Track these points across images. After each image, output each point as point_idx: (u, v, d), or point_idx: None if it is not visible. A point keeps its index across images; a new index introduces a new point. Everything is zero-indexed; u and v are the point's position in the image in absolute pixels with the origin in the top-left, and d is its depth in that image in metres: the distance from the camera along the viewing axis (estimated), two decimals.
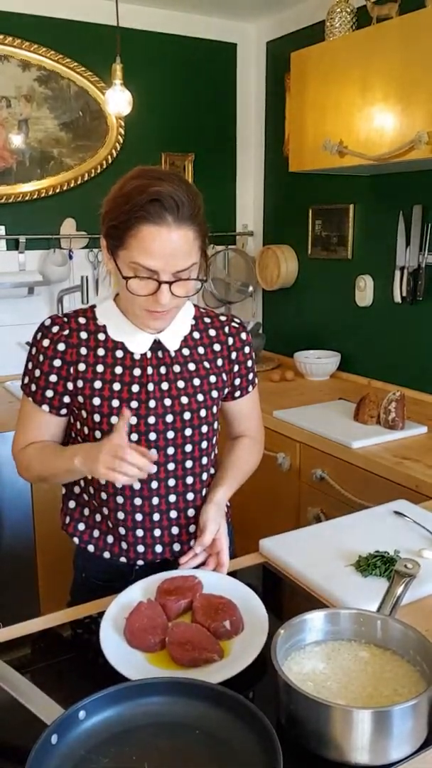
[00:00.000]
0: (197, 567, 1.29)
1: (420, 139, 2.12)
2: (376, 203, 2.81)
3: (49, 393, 1.31)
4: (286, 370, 3.06)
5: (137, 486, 1.33)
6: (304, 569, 1.32)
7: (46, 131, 2.94)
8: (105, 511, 1.36)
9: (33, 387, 1.32)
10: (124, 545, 1.36)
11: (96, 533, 1.39)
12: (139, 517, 1.34)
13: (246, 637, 1.09)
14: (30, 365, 1.34)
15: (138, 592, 1.21)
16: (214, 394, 1.38)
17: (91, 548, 1.39)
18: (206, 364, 1.37)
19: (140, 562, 1.37)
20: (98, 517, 1.38)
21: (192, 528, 1.39)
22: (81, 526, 1.40)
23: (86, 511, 1.40)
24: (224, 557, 1.29)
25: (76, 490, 1.41)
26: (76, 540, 1.41)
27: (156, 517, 1.35)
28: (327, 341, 3.13)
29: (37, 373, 1.31)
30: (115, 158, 3.07)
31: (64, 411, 1.33)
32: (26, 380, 1.35)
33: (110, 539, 1.37)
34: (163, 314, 1.25)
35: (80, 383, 1.30)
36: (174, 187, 1.17)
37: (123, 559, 1.37)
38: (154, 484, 1.34)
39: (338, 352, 3.04)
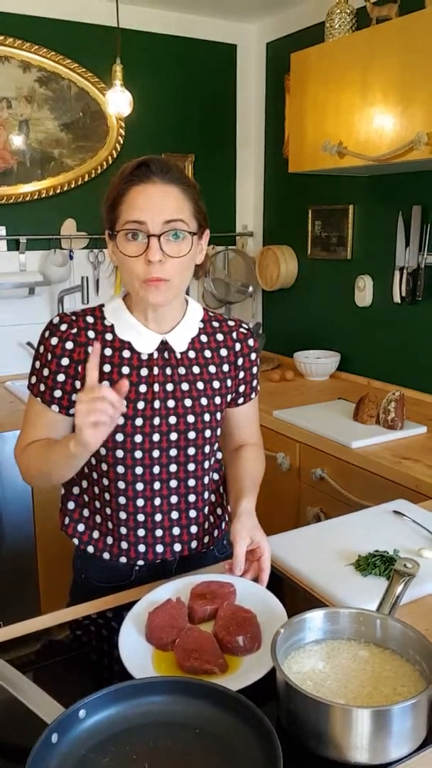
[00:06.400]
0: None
1: (419, 139, 2.13)
2: (375, 204, 2.81)
3: (58, 393, 1.30)
4: (286, 370, 3.07)
5: (140, 487, 1.32)
6: (304, 569, 1.32)
7: (47, 132, 2.94)
8: (107, 511, 1.36)
9: (41, 387, 1.31)
10: (124, 545, 1.36)
11: (96, 534, 1.39)
12: (141, 517, 1.34)
13: (258, 658, 1.05)
14: (37, 364, 1.32)
15: (171, 590, 1.20)
16: (217, 400, 1.37)
17: (90, 549, 1.39)
18: (211, 369, 1.37)
19: (140, 563, 1.37)
20: (98, 518, 1.38)
21: (194, 529, 1.39)
22: (81, 527, 1.40)
23: (86, 512, 1.40)
24: (264, 563, 1.24)
25: (76, 491, 1.41)
26: (75, 541, 1.40)
27: (158, 517, 1.35)
28: (327, 341, 3.13)
29: (45, 372, 1.30)
30: (115, 159, 3.07)
31: (72, 411, 1.32)
32: (33, 380, 1.33)
33: (110, 540, 1.37)
34: (159, 283, 1.22)
35: None
36: (163, 159, 1.24)
37: (123, 559, 1.37)
38: (157, 485, 1.33)
39: (338, 352, 3.04)
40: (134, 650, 1.06)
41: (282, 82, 3.20)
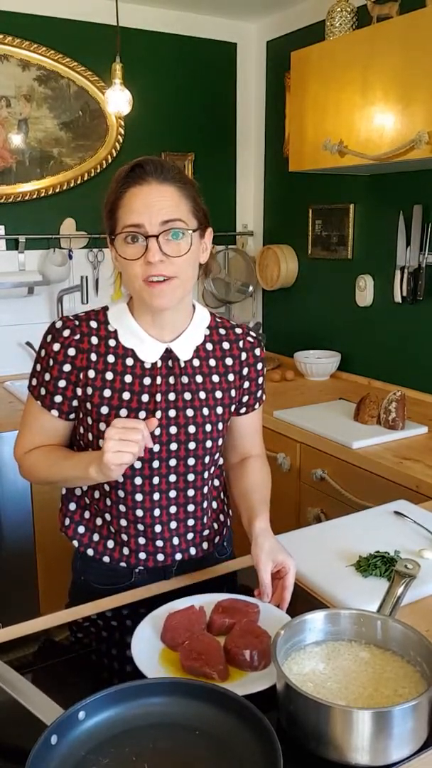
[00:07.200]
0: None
1: (420, 138, 2.12)
2: (376, 203, 2.81)
3: (58, 398, 1.28)
4: (286, 370, 3.06)
5: (139, 497, 1.31)
6: (305, 569, 1.32)
7: (46, 131, 2.94)
8: (108, 516, 1.35)
9: (42, 391, 1.29)
10: (125, 551, 1.35)
11: (96, 537, 1.38)
12: (141, 527, 1.33)
13: (263, 674, 1.04)
14: (39, 367, 1.30)
15: (198, 602, 1.19)
16: (219, 410, 1.34)
17: (90, 552, 1.38)
18: (215, 378, 1.34)
19: (140, 567, 1.37)
20: (99, 521, 1.37)
21: (192, 536, 1.38)
22: (81, 529, 1.39)
23: (87, 514, 1.39)
24: (288, 580, 1.21)
25: (78, 492, 1.40)
26: (75, 543, 1.39)
27: (158, 528, 1.34)
28: (327, 341, 3.12)
29: (47, 377, 1.28)
30: (114, 158, 3.07)
31: (72, 416, 1.31)
32: (34, 382, 1.31)
33: (111, 544, 1.36)
34: (161, 285, 1.20)
35: (89, 390, 1.27)
36: (158, 159, 1.22)
37: (123, 564, 1.36)
38: (156, 496, 1.32)
39: (338, 352, 3.04)
40: (145, 648, 1.08)
41: (282, 81, 3.20)
